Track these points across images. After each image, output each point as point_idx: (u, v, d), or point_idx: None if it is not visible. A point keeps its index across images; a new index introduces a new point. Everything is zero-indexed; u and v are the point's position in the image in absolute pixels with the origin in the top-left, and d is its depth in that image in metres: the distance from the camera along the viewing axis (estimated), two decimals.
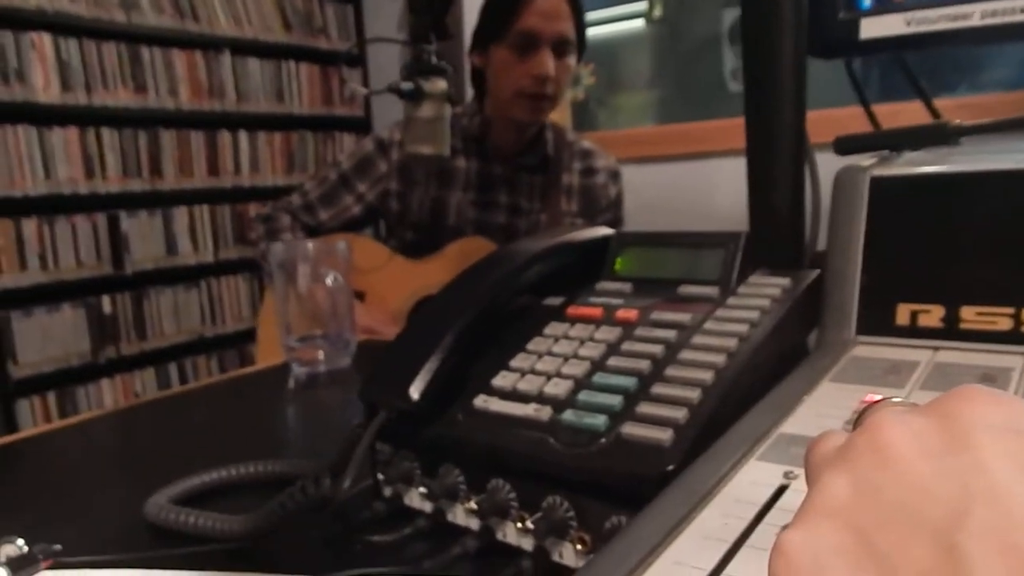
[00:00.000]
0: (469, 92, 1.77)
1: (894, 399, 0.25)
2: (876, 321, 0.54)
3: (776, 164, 0.66)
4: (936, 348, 0.51)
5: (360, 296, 1.65)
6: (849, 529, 0.20)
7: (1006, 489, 0.19)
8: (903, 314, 0.52)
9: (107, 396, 2.73)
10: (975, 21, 0.58)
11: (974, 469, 0.20)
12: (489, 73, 1.66)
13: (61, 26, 2.57)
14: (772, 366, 0.52)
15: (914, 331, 0.52)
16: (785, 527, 0.22)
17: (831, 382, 0.48)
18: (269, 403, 0.98)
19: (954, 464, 0.20)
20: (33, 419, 2.54)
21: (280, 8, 3.22)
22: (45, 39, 2.53)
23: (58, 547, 0.51)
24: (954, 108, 2.13)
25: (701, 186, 2.42)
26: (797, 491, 0.35)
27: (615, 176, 1.82)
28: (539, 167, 1.74)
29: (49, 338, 2.57)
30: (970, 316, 0.50)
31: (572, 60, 1.64)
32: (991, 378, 0.45)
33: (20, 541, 0.51)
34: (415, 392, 0.52)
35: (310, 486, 0.49)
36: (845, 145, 0.63)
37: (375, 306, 1.62)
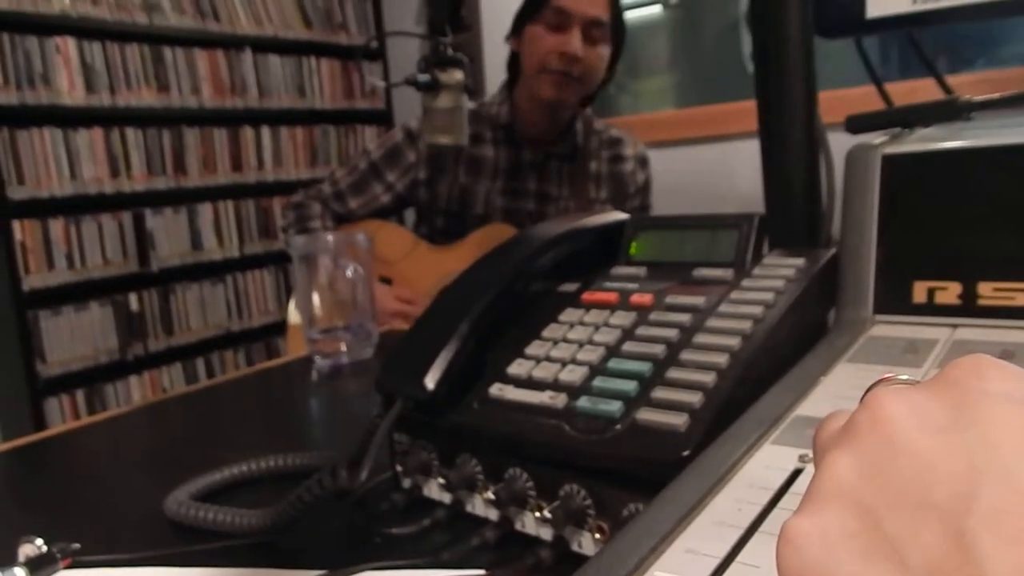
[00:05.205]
0: (488, 83, 1.77)
1: (900, 376, 0.24)
2: (893, 299, 0.53)
3: (788, 144, 0.66)
4: (954, 325, 0.50)
5: (387, 283, 1.66)
6: (856, 512, 0.20)
7: (1014, 466, 0.18)
8: (920, 292, 0.52)
9: (135, 392, 2.76)
10: None
11: (980, 444, 0.19)
12: (522, 53, 1.67)
13: (85, 30, 2.60)
14: (789, 347, 0.51)
15: (932, 309, 0.51)
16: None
17: (848, 362, 0.48)
18: (293, 396, 0.99)
19: (959, 439, 0.20)
20: (62, 417, 2.57)
21: (300, 5, 3.23)
22: (70, 43, 2.57)
23: (77, 546, 0.52)
24: (973, 83, 2.11)
25: (721, 168, 2.41)
26: (811, 474, 0.35)
27: (643, 163, 1.83)
28: (568, 156, 1.74)
29: (77, 336, 2.60)
30: (988, 292, 0.49)
31: (604, 50, 1.64)
32: (1010, 354, 0.44)
33: (39, 541, 0.51)
34: (430, 382, 0.52)
35: (327, 478, 0.49)
36: (857, 123, 0.62)
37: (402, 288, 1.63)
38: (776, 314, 0.51)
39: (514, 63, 1.72)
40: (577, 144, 1.74)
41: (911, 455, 0.20)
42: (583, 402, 0.48)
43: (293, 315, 1.58)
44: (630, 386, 0.48)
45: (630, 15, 2.86)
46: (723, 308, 0.53)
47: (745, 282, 0.56)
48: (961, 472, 0.19)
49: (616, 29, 1.65)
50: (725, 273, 0.58)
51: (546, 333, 0.57)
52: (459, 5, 1.08)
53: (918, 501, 0.19)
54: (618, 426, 0.46)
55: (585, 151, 1.75)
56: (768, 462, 0.37)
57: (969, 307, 0.50)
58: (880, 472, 0.20)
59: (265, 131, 3.11)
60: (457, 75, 1.06)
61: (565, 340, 0.55)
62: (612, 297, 0.59)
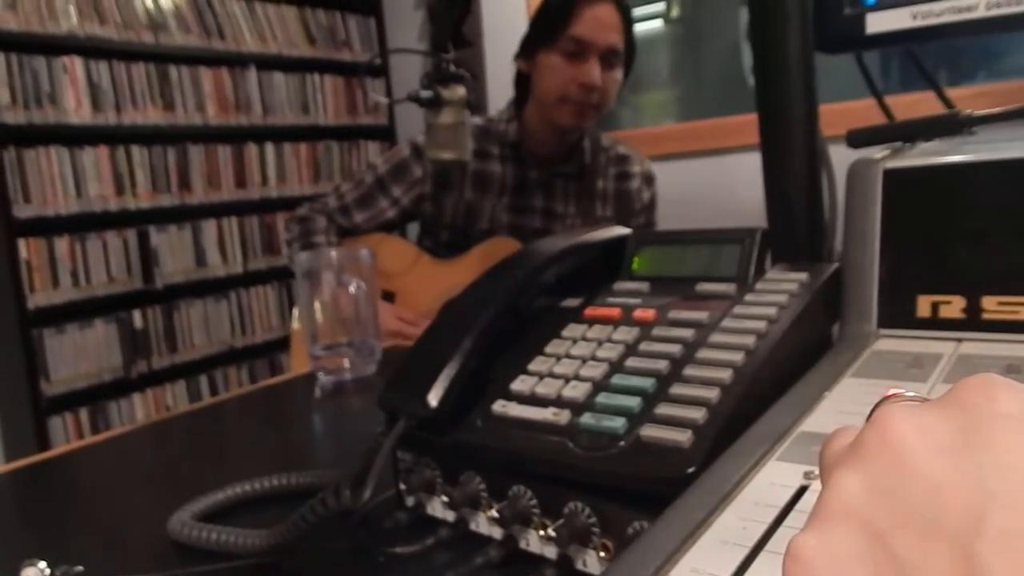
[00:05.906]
0: (490, 98, 1.77)
1: (907, 393, 0.24)
2: (897, 314, 0.53)
3: (789, 159, 0.66)
4: (959, 340, 0.50)
5: (390, 297, 1.65)
6: (864, 532, 0.20)
7: (1022, 487, 0.18)
8: (924, 306, 0.51)
9: (139, 410, 2.76)
10: (980, 12, 0.57)
11: (989, 467, 0.19)
12: (535, 78, 1.67)
13: (92, 49, 2.62)
14: (793, 361, 0.51)
15: (936, 323, 0.51)
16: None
17: (853, 377, 0.48)
18: (296, 413, 0.98)
19: (968, 462, 0.20)
20: (65, 436, 2.57)
21: (304, 23, 3.26)
22: (76, 62, 2.58)
23: (80, 568, 0.52)
24: (973, 96, 2.11)
25: (723, 182, 2.41)
26: (817, 492, 0.34)
27: (649, 180, 1.83)
28: (575, 174, 1.74)
29: (81, 354, 2.60)
30: (992, 306, 0.49)
31: (619, 74, 1.66)
32: (1016, 369, 0.44)
33: (42, 564, 0.51)
34: (433, 399, 0.52)
35: (330, 498, 0.49)
36: (858, 138, 0.62)
37: (403, 306, 1.63)
38: (780, 329, 0.51)
39: (522, 82, 1.72)
40: (585, 163, 1.74)
41: (920, 476, 0.20)
42: (587, 418, 0.48)
43: (298, 321, 1.58)
44: (634, 402, 0.48)
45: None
46: (726, 323, 0.53)
47: (748, 297, 0.56)
48: (970, 495, 0.19)
49: (627, 51, 1.66)
50: (728, 288, 0.58)
51: (549, 349, 0.57)
52: (461, 22, 1.09)
53: (927, 523, 0.19)
54: (622, 443, 0.45)
55: (592, 169, 1.75)
56: (773, 479, 0.37)
57: (974, 321, 0.50)
58: (889, 492, 0.20)
59: (269, 148, 3.13)
60: (459, 91, 1.06)
61: (568, 356, 0.55)
62: (615, 312, 0.59)
